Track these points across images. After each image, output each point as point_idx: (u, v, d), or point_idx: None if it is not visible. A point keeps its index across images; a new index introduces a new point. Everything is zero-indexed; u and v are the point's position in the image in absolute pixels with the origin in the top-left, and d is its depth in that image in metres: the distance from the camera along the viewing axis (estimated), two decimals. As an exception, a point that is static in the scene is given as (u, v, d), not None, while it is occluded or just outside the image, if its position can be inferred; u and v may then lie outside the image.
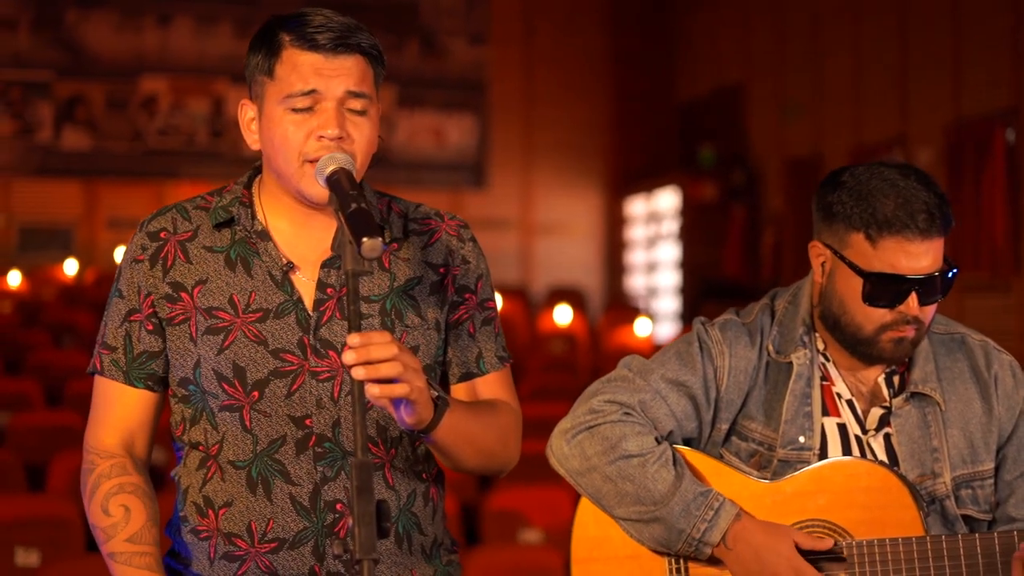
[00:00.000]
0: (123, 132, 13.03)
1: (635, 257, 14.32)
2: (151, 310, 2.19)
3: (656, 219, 13.79)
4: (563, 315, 11.86)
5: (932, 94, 9.71)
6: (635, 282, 14.32)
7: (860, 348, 2.36)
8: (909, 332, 2.33)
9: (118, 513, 2.16)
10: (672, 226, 13.30)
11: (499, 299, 11.98)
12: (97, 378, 2.24)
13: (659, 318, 13.31)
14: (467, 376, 2.27)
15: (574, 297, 13.25)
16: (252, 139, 2.20)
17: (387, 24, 13.64)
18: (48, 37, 12.87)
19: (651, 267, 13.94)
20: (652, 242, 13.90)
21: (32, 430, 6.85)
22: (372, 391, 1.93)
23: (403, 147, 13.65)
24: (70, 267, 12.49)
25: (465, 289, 2.26)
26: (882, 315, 2.32)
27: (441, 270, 2.25)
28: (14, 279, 11.80)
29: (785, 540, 2.26)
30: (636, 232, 14.28)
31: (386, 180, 13.55)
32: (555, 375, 9.30)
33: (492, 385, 2.27)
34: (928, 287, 2.31)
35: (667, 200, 13.44)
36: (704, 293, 12.36)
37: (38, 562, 5.22)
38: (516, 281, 13.89)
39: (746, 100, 12.65)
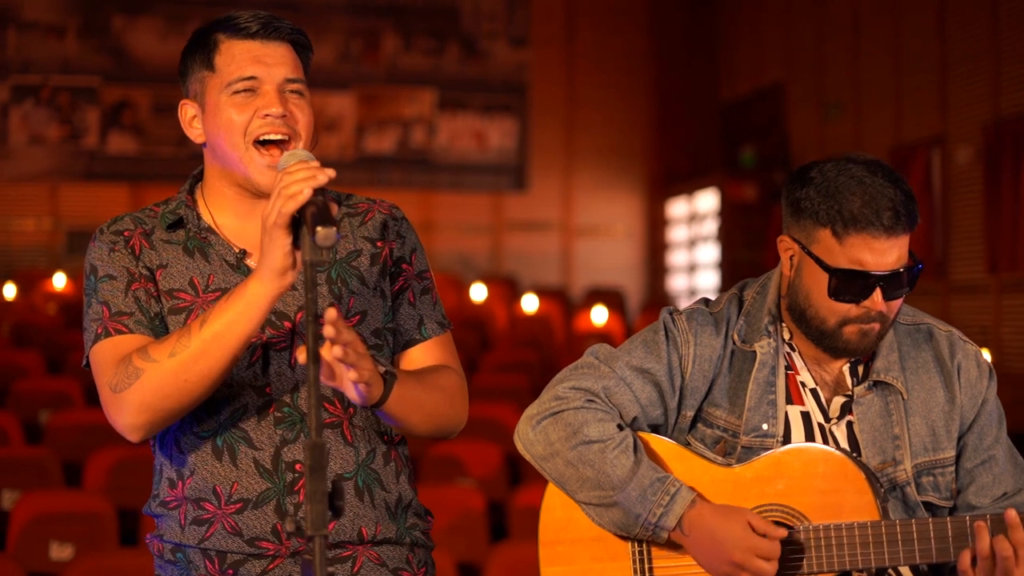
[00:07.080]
0: (169, 136, 13.19)
1: (676, 258, 14.31)
2: (151, 284, 2.29)
3: (697, 220, 13.76)
4: (599, 315, 11.90)
5: (971, 93, 9.64)
6: (676, 283, 14.30)
7: (825, 341, 2.40)
8: (874, 326, 2.37)
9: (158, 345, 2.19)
10: (713, 227, 13.27)
11: (536, 300, 12.05)
12: (114, 339, 2.23)
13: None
14: (410, 343, 2.39)
15: (613, 298, 13.21)
16: (195, 134, 2.35)
17: (428, 28, 13.71)
18: (95, 43, 13.09)
19: (692, 268, 13.91)
20: (693, 243, 13.87)
21: (71, 428, 6.99)
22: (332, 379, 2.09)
23: (444, 150, 13.72)
24: (116, 270, 12.63)
25: (402, 260, 2.40)
26: (847, 309, 2.36)
27: (379, 244, 2.38)
28: (59, 281, 12.00)
29: (739, 521, 2.30)
30: (677, 233, 14.27)
31: (428, 184, 13.59)
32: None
33: (434, 350, 2.40)
34: (893, 282, 2.34)
35: (708, 201, 13.42)
36: (744, 294, 12.29)
37: (71, 556, 5.31)
38: (557, 283, 13.91)
39: (787, 100, 12.61)
